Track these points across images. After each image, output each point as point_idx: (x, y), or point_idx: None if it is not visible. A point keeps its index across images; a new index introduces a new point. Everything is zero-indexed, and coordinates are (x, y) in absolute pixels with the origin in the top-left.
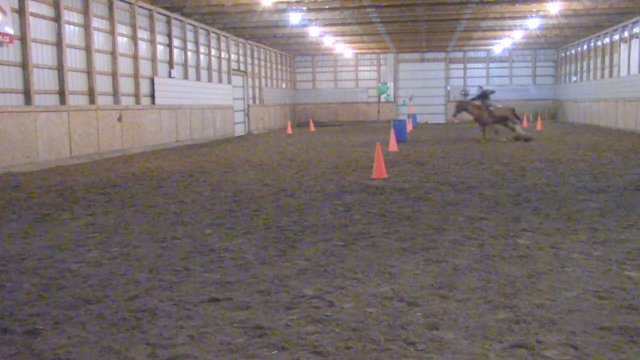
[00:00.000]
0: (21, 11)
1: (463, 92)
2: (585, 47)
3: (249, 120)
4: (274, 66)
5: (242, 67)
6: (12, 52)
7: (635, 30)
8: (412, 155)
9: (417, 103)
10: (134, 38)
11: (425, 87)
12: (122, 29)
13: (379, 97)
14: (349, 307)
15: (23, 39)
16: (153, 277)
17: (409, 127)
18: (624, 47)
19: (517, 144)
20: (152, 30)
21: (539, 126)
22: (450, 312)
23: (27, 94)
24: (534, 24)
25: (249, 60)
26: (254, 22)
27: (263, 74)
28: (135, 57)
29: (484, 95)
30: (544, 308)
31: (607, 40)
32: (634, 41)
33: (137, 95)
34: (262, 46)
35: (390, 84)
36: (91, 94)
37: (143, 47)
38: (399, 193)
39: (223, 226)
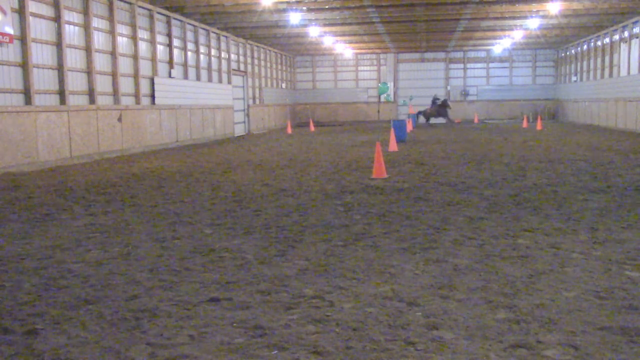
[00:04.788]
0: (21, 11)
1: (463, 93)
2: (585, 47)
3: (249, 120)
4: (274, 66)
5: (242, 67)
6: (12, 52)
7: (635, 30)
8: (412, 155)
9: (417, 103)
10: (134, 38)
11: (425, 87)
12: (122, 29)
13: (379, 97)
14: (349, 307)
15: (23, 39)
16: (153, 277)
17: (409, 127)
18: (624, 47)
19: (518, 144)
20: (152, 30)
21: (539, 126)
22: (450, 312)
23: (27, 94)
24: (534, 24)
25: (249, 60)
26: (254, 22)
27: (263, 74)
28: (135, 57)
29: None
30: (544, 308)
31: (607, 40)
32: (634, 41)
33: (137, 95)
34: (262, 46)
35: (390, 84)
36: (91, 94)
37: (143, 47)
38: (399, 193)
39: (223, 226)
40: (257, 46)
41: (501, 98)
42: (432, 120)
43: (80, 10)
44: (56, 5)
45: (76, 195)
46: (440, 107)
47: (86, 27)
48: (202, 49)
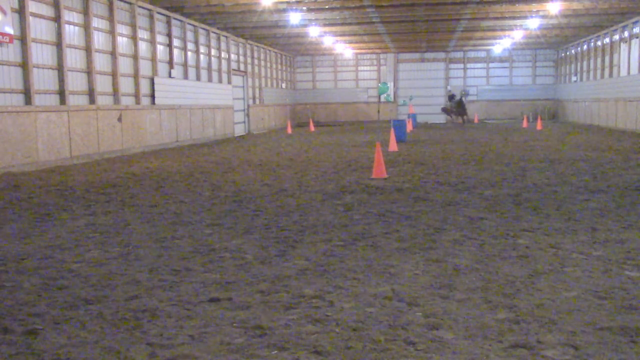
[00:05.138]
0: (21, 11)
1: (463, 93)
2: (585, 47)
3: (249, 120)
4: (274, 66)
5: (242, 67)
6: (12, 52)
7: (635, 30)
8: (412, 155)
9: (417, 103)
10: (134, 38)
11: (425, 87)
12: (122, 29)
13: (379, 97)
14: (349, 307)
15: (23, 39)
16: (153, 277)
17: (409, 127)
18: (624, 47)
19: (518, 144)
20: (152, 30)
21: (539, 126)
22: (450, 312)
23: (27, 94)
24: (534, 24)
25: (249, 60)
26: (254, 22)
27: (263, 74)
28: (135, 57)
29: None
30: (544, 308)
31: (607, 40)
32: (634, 41)
33: (137, 95)
34: (262, 46)
35: (390, 84)
36: (91, 94)
37: (143, 47)
38: (399, 193)
39: (223, 226)
40: (257, 46)
41: (501, 98)
42: (433, 120)
43: (80, 10)
44: (56, 5)
45: (76, 195)
46: (458, 106)
47: (86, 27)
48: (202, 49)
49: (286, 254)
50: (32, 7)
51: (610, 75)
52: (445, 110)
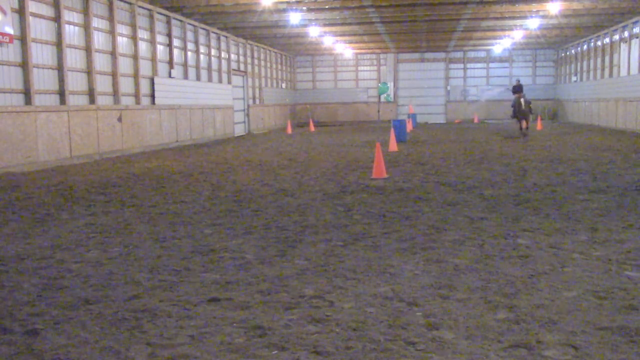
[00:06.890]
0: (21, 11)
1: (463, 93)
2: (585, 47)
3: (249, 120)
4: (274, 66)
5: (242, 67)
6: (12, 52)
7: (635, 30)
8: (412, 155)
9: (417, 103)
10: (134, 38)
11: (425, 87)
12: (122, 29)
13: (379, 97)
14: (349, 307)
15: (23, 39)
16: (153, 277)
17: (409, 127)
18: (624, 47)
19: (518, 144)
20: (152, 30)
21: (539, 126)
22: (450, 312)
23: (27, 94)
24: (534, 24)
25: (249, 60)
26: (254, 22)
27: (263, 74)
28: (135, 57)
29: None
30: (544, 308)
31: (607, 40)
32: (634, 41)
33: (137, 95)
34: (262, 46)
35: (390, 84)
36: (91, 94)
37: (143, 47)
38: (399, 193)
39: (223, 226)
40: (257, 46)
41: (501, 98)
42: (433, 120)
43: (80, 10)
44: (56, 5)
45: (76, 195)
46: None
47: (86, 27)
48: (202, 49)
49: (286, 254)
50: (32, 7)
51: (610, 75)
52: (523, 112)
